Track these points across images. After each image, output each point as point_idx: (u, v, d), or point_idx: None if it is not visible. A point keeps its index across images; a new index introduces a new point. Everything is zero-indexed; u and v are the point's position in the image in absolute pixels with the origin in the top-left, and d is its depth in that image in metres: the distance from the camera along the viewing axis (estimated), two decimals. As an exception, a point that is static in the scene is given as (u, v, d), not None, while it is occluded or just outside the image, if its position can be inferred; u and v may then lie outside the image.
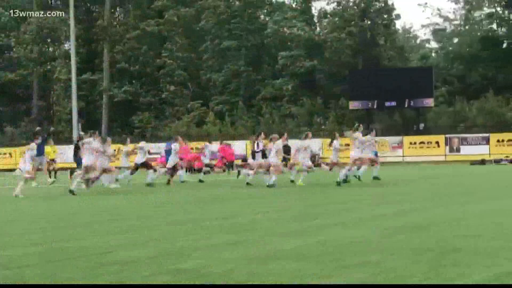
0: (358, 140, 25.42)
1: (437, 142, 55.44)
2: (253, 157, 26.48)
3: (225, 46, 74.10)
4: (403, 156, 55.64)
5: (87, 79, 75.35)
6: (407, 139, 56.63)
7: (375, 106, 60.84)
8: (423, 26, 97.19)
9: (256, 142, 26.17)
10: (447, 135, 55.53)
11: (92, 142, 23.78)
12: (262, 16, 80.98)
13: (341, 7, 77.10)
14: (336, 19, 75.91)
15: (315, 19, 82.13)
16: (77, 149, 29.83)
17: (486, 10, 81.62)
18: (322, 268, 7.49)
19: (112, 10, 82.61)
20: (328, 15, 78.78)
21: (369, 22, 75.18)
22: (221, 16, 74.73)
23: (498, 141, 53.64)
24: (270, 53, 76.80)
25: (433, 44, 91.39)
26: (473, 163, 50.00)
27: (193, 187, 27.06)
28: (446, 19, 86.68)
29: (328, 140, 32.81)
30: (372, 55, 73.75)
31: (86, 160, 23.48)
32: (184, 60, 76.15)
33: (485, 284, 6.36)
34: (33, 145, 22.71)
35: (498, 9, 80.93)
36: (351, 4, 76.34)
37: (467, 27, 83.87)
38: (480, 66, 75.44)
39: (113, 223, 13.02)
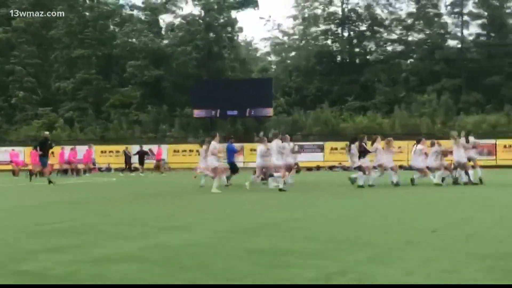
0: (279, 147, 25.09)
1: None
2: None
3: (76, 55, 73.09)
4: (244, 161, 56.15)
5: None
6: (248, 146, 57.19)
7: (218, 115, 61.20)
8: (264, 39, 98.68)
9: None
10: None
11: None
12: (112, 27, 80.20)
13: (186, 21, 77.17)
14: (182, 32, 75.96)
15: (163, 32, 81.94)
16: None
17: (322, 27, 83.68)
18: (163, 270, 7.44)
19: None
20: (175, 28, 78.72)
21: (213, 35, 75.64)
22: (72, 27, 73.72)
23: (331, 148, 55.04)
24: (119, 62, 76.11)
25: (273, 57, 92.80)
26: (309, 169, 51.04)
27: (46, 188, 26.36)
28: (285, 34, 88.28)
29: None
30: (216, 66, 74.22)
31: None
32: (33, 67, 74.56)
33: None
34: None
35: (332, 26, 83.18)
36: (197, 18, 76.59)
37: (304, 42, 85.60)
38: (316, 79, 77.25)
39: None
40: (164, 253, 8.66)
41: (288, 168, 25.77)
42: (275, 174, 24.89)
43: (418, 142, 27.36)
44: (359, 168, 25.90)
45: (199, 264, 7.76)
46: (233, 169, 29.05)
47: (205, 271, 7.26)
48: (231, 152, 29.81)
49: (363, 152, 26.01)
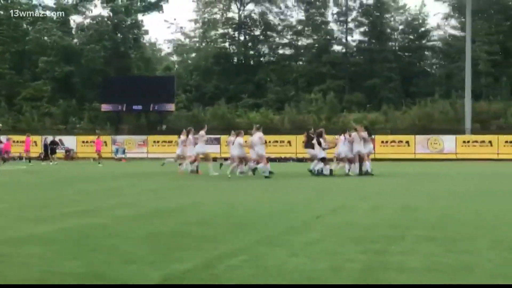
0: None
1: (176, 142, 55.92)
2: None
3: (-11, 51, 71.41)
4: (147, 152, 55.88)
5: None
6: (151, 138, 56.90)
7: (124, 109, 60.60)
8: (167, 41, 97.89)
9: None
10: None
11: None
12: (25, 26, 78.37)
13: (96, 22, 75.96)
14: (91, 32, 74.74)
15: (73, 31, 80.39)
16: None
17: (220, 31, 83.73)
18: (68, 251, 7.32)
19: None
20: (85, 28, 77.34)
21: (120, 36, 74.75)
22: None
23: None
24: (31, 58, 74.33)
25: (176, 57, 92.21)
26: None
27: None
28: (187, 36, 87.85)
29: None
30: (123, 64, 73.37)
31: None
32: None
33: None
34: None
35: (230, 30, 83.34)
36: (105, 19, 75.44)
37: (203, 44, 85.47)
38: (214, 78, 77.30)
39: None
40: (71, 236, 8.52)
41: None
42: (259, 166, 25.24)
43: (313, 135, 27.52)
44: (323, 160, 26.18)
45: (102, 246, 7.68)
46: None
47: (109, 253, 7.20)
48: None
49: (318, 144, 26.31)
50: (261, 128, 26.80)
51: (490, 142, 51.81)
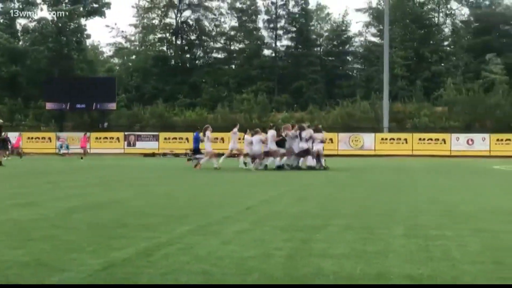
0: None
1: (118, 138, 55.62)
2: None
3: None
4: (90, 148, 55.17)
5: None
6: (93, 135, 56.21)
7: (68, 108, 59.61)
8: (109, 44, 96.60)
9: None
10: (126, 133, 55.95)
11: None
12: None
13: (41, 25, 74.49)
14: (36, 34, 73.32)
15: (19, 34, 78.69)
16: None
17: (158, 35, 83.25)
18: (11, 241, 7.17)
19: None
20: (30, 31, 75.77)
21: (64, 39, 73.58)
22: None
23: (165, 138, 55.07)
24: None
25: (117, 60, 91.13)
26: (146, 155, 50.78)
27: None
28: (127, 40, 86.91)
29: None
30: (66, 65, 72.27)
31: None
32: None
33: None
34: None
35: (167, 35, 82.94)
36: (50, 23, 74.02)
37: (143, 47, 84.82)
38: (152, 79, 76.81)
39: None
40: (14, 227, 8.35)
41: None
42: (276, 160, 26.31)
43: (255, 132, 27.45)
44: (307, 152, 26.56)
45: (45, 236, 7.55)
46: (197, 153, 29.56)
47: (51, 243, 7.07)
48: (196, 140, 30.20)
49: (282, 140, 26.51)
50: (274, 127, 28.05)
51: (405, 139, 52.84)
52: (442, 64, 74.28)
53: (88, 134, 47.84)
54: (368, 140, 53.03)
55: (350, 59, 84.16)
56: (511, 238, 7.69)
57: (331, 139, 52.41)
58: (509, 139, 51.53)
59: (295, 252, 6.55)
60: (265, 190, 15.42)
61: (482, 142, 51.56)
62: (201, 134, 29.14)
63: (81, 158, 41.18)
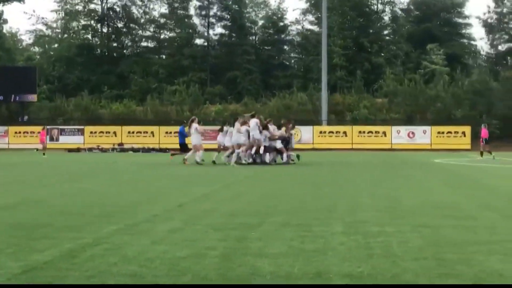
0: None
1: (39, 132, 54.66)
2: None
3: None
4: (8, 143, 54.23)
5: None
6: (12, 129, 55.18)
7: (-17, 100, 58.44)
8: (28, 31, 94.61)
9: None
10: (48, 127, 54.98)
11: None
12: None
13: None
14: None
15: None
16: None
17: (82, 22, 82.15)
18: None
19: None
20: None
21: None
22: None
23: (91, 132, 54.47)
24: None
25: (37, 48, 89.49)
26: (70, 150, 50.02)
27: None
28: (48, 27, 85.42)
29: None
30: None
31: None
32: None
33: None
34: None
35: (92, 22, 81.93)
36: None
37: (66, 35, 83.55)
38: (77, 69, 75.82)
39: None
40: None
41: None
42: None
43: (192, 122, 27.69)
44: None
45: (-40, 239, 7.35)
46: (184, 148, 29.36)
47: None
48: (181, 135, 30.15)
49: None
50: (257, 115, 28.19)
51: (345, 132, 53.56)
52: (382, 54, 75.45)
53: (46, 127, 46.48)
54: (306, 133, 53.51)
55: (286, 48, 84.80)
56: (452, 233, 7.85)
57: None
58: (450, 132, 52.79)
59: (229, 252, 6.54)
60: (196, 186, 15.37)
61: (423, 135, 52.70)
62: (186, 128, 29.01)
63: (43, 154, 39.71)
